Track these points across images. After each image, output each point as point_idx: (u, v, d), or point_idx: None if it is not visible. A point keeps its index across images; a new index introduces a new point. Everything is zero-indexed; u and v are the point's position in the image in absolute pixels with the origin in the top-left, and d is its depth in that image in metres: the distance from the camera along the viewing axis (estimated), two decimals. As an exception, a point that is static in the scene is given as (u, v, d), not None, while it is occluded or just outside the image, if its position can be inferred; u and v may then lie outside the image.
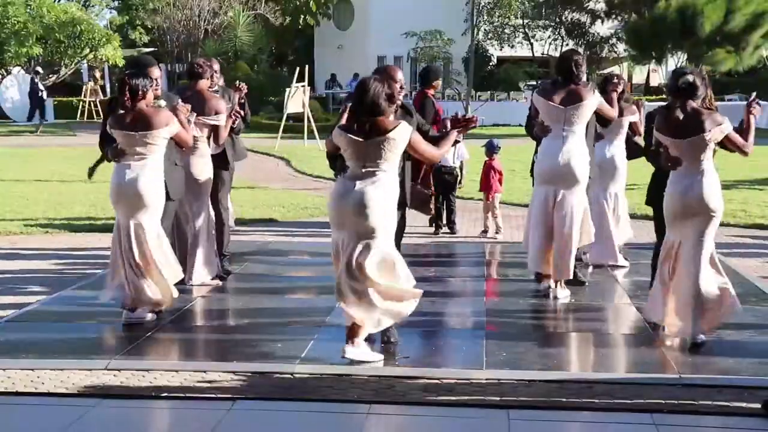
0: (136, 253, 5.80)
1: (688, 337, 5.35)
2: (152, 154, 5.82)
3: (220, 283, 7.11)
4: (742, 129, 5.39)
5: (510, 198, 11.01)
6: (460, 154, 9.60)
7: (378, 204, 4.90)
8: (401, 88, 5.54)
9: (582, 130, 6.42)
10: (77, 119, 28.49)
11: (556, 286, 6.55)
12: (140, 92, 5.75)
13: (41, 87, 25.98)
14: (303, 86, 20.29)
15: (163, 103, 6.19)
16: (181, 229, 6.87)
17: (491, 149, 9.51)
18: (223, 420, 4.27)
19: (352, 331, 5.03)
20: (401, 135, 4.94)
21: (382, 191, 4.92)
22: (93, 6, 37.78)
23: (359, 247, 4.93)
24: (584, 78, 6.45)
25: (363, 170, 4.94)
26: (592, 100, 6.37)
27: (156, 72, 6.25)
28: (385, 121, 4.94)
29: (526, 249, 6.75)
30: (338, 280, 5.02)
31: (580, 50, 7.45)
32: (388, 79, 5.48)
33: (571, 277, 6.61)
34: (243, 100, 7.61)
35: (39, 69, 29.14)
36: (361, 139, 4.90)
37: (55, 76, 30.56)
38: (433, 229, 9.47)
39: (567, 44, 34.09)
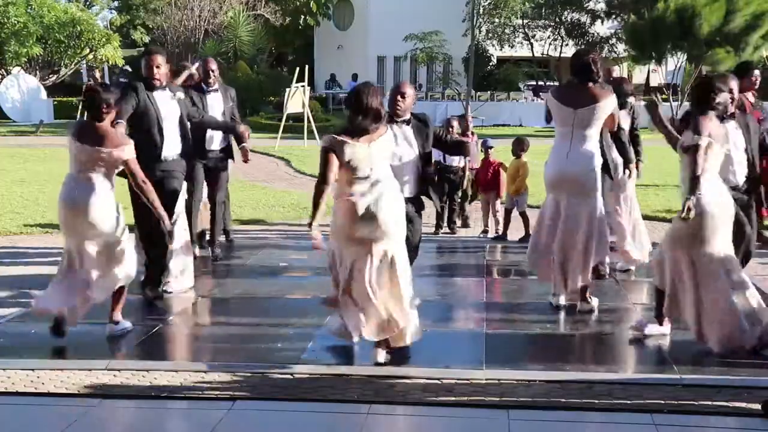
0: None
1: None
2: (103, 172, 5.42)
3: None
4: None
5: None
6: (464, 154, 9.60)
7: (396, 214, 5.01)
8: (412, 101, 5.82)
9: (595, 133, 5.97)
10: (77, 119, 28.51)
11: (580, 299, 6.22)
12: (105, 107, 5.37)
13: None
14: (303, 86, 20.29)
15: (181, 95, 6.31)
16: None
17: (488, 148, 9.53)
18: (223, 420, 4.27)
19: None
20: (389, 141, 5.08)
21: (396, 199, 5.03)
22: (93, 6, 37.80)
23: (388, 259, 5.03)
24: (600, 77, 6.03)
25: (370, 177, 4.96)
26: (608, 102, 5.92)
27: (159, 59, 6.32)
28: (382, 127, 5.02)
29: (532, 262, 6.39)
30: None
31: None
32: (397, 93, 5.77)
33: (580, 293, 6.22)
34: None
35: (128, 68, 29.44)
36: (366, 145, 4.94)
37: (55, 76, 30.56)
38: (433, 229, 9.48)
39: (567, 44, 34.08)
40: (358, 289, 5.01)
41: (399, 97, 5.80)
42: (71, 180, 5.49)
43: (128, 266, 5.55)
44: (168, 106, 6.30)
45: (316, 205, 4.95)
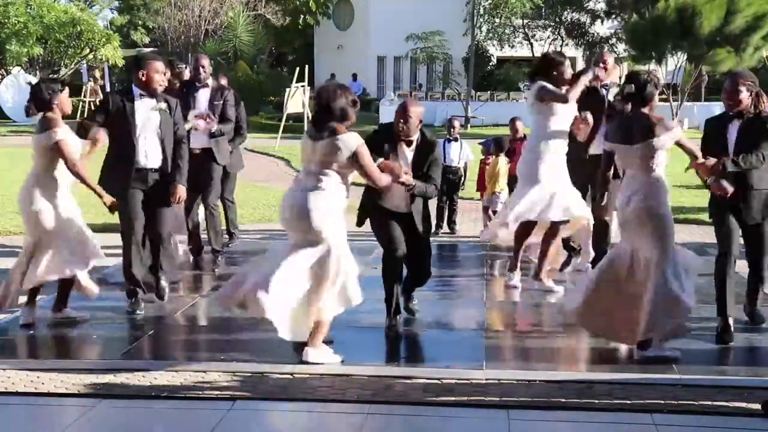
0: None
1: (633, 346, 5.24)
2: (47, 163, 5.71)
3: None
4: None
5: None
6: (464, 155, 9.60)
7: (318, 209, 4.90)
8: (420, 121, 5.67)
9: (536, 128, 6.65)
10: (77, 119, 28.52)
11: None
12: (46, 103, 5.64)
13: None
14: (303, 86, 20.31)
15: (163, 105, 6.13)
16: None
17: (488, 149, 9.52)
18: (223, 420, 4.27)
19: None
20: (347, 143, 4.89)
21: (304, 202, 4.92)
22: (93, 6, 37.83)
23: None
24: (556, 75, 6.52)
25: (300, 173, 5.06)
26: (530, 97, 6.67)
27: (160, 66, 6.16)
28: (339, 126, 4.94)
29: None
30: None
31: (609, 56, 7.08)
32: (400, 115, 5.61)
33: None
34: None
35: None
36: (310, 140, 4.96)
37: (55, 76, 30.57)
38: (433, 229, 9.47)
39: (567, 44, 34.10)
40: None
41: (401, 120, 5.60)
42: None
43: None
44: (147, 115, 6.07)
45: None
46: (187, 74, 7.89)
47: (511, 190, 9.27)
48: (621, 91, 5.34)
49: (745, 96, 5.46)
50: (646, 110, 5.19)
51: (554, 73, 6.52)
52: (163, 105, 6.10)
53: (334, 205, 4.96)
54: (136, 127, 6.01)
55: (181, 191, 6.15)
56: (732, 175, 5.36)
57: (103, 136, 5.93)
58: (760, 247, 5.60)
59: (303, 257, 4.91)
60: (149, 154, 6.07)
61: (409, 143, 5.67)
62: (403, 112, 5.61)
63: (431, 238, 6.12)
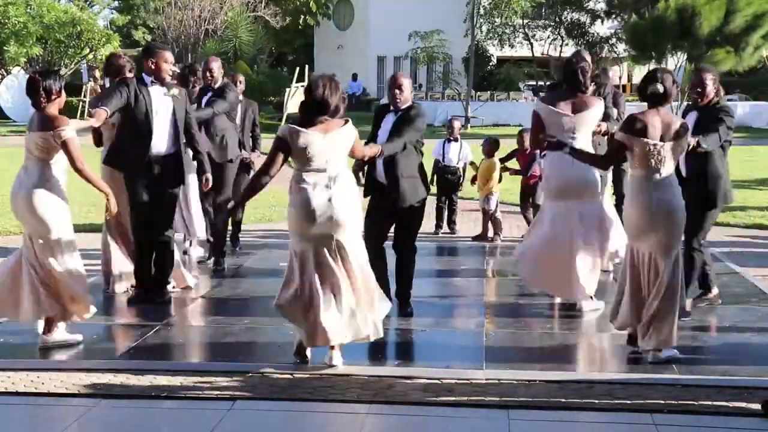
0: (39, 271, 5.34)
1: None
2: (47, 159, 5.32)
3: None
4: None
5: (510, 198, 11.00)
6: (464, 155, 9.60)
7: (351, 210, 4.98)
8: (410, 91, 5.93)
9: (588, 138, 6.11)
10: (77, 119, 28.54)
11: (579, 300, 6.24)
12: (54, 93, 5.32)
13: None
14: (303, 86, 20.32)
15: (176, 91, 6.30)
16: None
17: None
18: (223, 420, 4.27)
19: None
20: (353, 132, 5.04)
21: (352, 196, 5.04)
22: (93, 6, 37.84)
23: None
24: (590, 86, 6.19)
25: (327, 170, 5.00)
26: (598, 109, 6.15)
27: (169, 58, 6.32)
28: (338, 120, 4.96)
29: (525, 266, 6.33)
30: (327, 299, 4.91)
31: (586, 54, 6.82)
32: (394, 86, 5.87)
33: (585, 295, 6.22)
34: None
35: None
36: (322, 135, 4.91)
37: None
38: (433, 230, 9.46)
39: (567, 44, 34.08)
40: (312, 286, 4.97)
41: (397, 91, 5.88)
42: (20, 171, 5.47)
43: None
44: (159, 101, 6.22)
45: (250, 193, 5.36)
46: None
47: (523, 200, 9.01)
48: (644, 89, 5.21)
49: (710, 89, 5.93)
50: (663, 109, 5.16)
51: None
52: (176, 91, 6.31)
53: (356, 196, 5.07)
54: (152, 113, 6.20)
55: (210, 179, 6.67)
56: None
57: (102, 115, 5.84)
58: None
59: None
60: (160, 140, 6.26)
61: (395, 112, 5.92)
62: (395, 83, 5.91)
63: (431, 239, 6.14)
